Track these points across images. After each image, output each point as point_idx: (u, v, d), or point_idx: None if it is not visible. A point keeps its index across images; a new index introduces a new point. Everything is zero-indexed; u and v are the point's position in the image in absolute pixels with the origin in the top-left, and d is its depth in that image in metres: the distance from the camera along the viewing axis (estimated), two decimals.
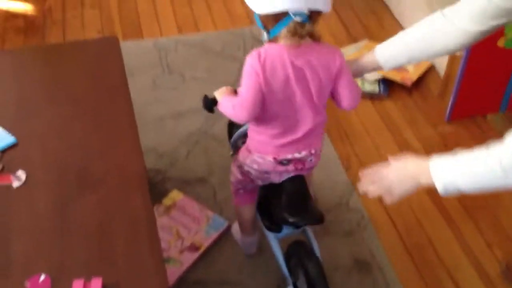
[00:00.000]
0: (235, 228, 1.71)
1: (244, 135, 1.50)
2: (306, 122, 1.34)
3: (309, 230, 1.55)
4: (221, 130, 1.93)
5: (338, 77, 1.32)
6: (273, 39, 1.28)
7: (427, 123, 2.15)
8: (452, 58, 2.11)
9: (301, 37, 1.24)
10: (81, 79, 1.46)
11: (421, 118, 2.17)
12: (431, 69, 2.36)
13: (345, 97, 1.36)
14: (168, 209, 1.73)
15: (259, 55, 1.26)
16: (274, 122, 1.34)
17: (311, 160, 1.41)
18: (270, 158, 1.38)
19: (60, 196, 1.19)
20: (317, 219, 1.38)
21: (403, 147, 2.06)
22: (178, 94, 2.18)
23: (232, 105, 1.31)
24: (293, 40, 1.24)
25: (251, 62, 1.27)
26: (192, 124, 2.03)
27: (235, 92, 1.36)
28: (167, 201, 1.75)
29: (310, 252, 1.46)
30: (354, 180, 1.91)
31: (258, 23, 1.29)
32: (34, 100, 1.39)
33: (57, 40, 2.41)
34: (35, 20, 2.53)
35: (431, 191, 1.04)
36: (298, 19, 1.21)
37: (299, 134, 1.36)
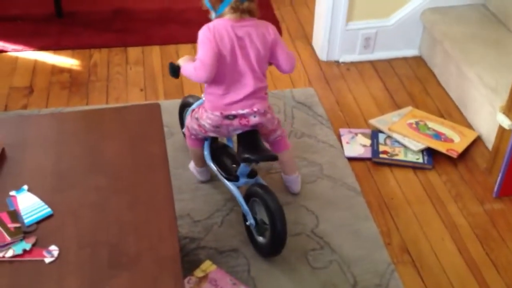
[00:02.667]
0: (191, 164, 2.02)
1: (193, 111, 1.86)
2: (247, 85, 1.66)
3: (261, 179, 1.84)
4: None
5: (274, 46, 1.68)
6: (219, 16, 1.65)
7: (474, 198, 2.05)
8: (502, 130, 2.03)
9: (242, 12, 1.61)
10: (120, 147, 1.44)
11: (467, 193, 2.07)
12: (478, 141, 2.27)
13: (283, 62, 1.72)
14: (199, 281, 1.67)
15: (209, 27, 1.62)
16: (221, 83, 1.66)
17: (254, 117, 1.70)
18: (218, 114, 1.69)
19: (91, 275, 1.15)
20: (271, 155, 1.71)
21: (448, 223, 1.96)
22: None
23: (193, 67, 1.63)
24: (235, 15, 1.61)
25: (203, 32, 1.62)
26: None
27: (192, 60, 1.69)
28: (199, 272, 1.69)
29: (267, 190, 1.72)
30: (394, 257, 1.83)
31: (207, 3, 1.66)
32: (72, 169, 1.38)
33: (100, 96, 2.44)
34: (80, 75, 2.57)
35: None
36: None
37: (240, 95, 1.67)
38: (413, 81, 2.61)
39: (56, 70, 2.59)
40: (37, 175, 1.36)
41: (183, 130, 2.01)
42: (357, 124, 2.36)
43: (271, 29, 1.69)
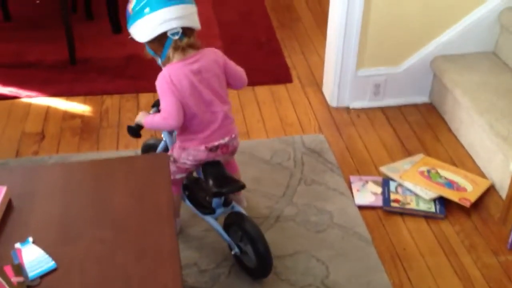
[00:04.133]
0: None
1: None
2: (218, 112, 1.72)
3: (237, 206, 1.87)
4: None
5: (226, 67, 1.75)
6: (165, 61, 1.69)
7: (488, 249, 2.00)
8: None
9: (184, 49, 1.65)
10: (127, 197, 1.43)
11: (481, 244, 2.02)
12: (491, 190, 2.24)
13: (237, 80, 1.79)
14: None
15: (164, 75, 1.66)
16: (195, 121, 1.71)
17: (233, 144, 1.79)
18: (202, 148, 1.74)
19: None
20: (241, 185, 1.74)
21: (462, 275, 1.91)
22: None
23: (162, 118, 1.68)
24: (180, 54, 1.66)
25: (161, 82, 1.66)
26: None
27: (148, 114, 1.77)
28: None
29: (244, 217, 1.79)
30: None
31: (150, 51, 1.73)
32: (78, 221, 1.36)
33: (110, 143, 2.45)
34: (91, 121, 2.59)
35: None
36: (175, 37, 1.63)
37: (216, 123, 1.73)
38: (424, 128, 2.59)
39: (68, 116, 2.62)
40: (43, 226, 1.35)
41: None
42: (368, 172, 2.34)
43: (218, 52, 1.76)
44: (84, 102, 2.71)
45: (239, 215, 1.82)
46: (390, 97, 2.73)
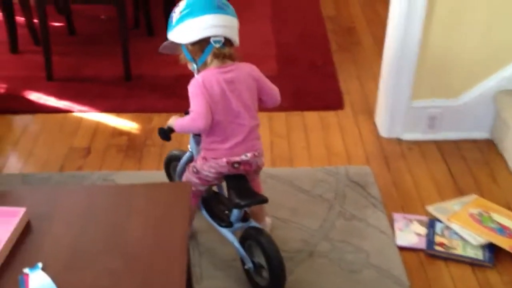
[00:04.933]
0: None
1: (186, 163, 1.92)
2: (244, 125, 1.73)
3: (254, 222, 1.85)
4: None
5: (260, 83, 1.77)
6: (202, 66, 1.73)
7: None
8: None
9: (224, 57, 1.70)
10: (143, 226, 1.40)
11: None
12: None
13: (269, 98, 1.81)
14: None
15: (198, 80, 1.69)
16: (219, 129, 1.72)
17: (256, 162, 1.78)
18: (224, 161, 1.73)
19: None
20: (262, 199, 1.75)
21: None
22: None
23: (191, 119, 1.70)
24: (218, 61, 1.70)
25: (193, 86, 1.70)
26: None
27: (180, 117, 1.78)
28: None
29: (262, 231, 1.78)
30: None
31: (187, 55, 1.74)
32: (91, 247, 1.34)
33: (153, 162, 2.45)
34: (137, 139, 2.60)
35: None
36: (217, 45, 1.68)
37: (240, 137, 1.73)
38: (480, 166, 2.42)
39: (116, 133, 2.65)
40: (55, 252, 1.33)
41: (177, 173, 2.03)
42: (414, 210, 2.21)
43: (253, 67, 1.79)
44: (133, 119, 2.74)
45: (257, 229, 1.80)
46: (446, 131, 2.57)
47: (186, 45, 1.73)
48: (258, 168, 1.82)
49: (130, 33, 3.12)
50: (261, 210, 1.99)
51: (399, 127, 2.59)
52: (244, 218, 1.85)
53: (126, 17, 2.97)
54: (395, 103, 2.54)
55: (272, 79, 2.95)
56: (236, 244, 1.85)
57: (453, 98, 2.52)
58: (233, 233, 1.88)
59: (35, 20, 3.19)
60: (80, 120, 2.73)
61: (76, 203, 1.48)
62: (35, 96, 2.88)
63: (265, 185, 2.30)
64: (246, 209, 1.84)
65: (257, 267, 1.81)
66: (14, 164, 2.45)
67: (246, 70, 1.75)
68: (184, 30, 1.70)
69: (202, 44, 1.69)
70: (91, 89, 2.95)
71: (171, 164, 2.16)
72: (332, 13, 3.83)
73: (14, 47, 3.28)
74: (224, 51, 1.70)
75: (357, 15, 3.80)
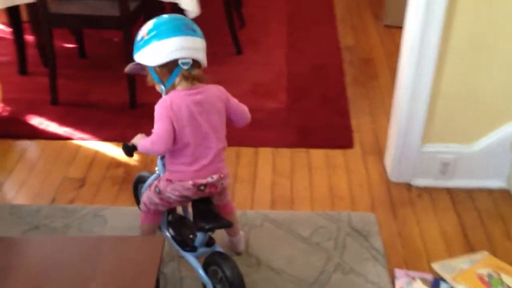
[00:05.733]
0: None
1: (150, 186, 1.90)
2: (211, 148, 1.73)
3: (219, 247, 1.87)
4: None
5: (228, 105, 1.77)
6: (169, 88, 1.72)
7: None
8: None
9: (193, 79, 1.71)
10: (106, 284, 1.30)
11: None
12: None
13: (239, 118, 1.82)
14: None
15: (166, 100, 1.68)
16: (187, 151, 1.71)
17: (222, 184, 1.78)
18: (189, 184, 1.73)
19: None
20: (226, 223, 1.76)
21: None
22: (248, 281, 1.93)
23: (150, 141, 1.70)
24: (187, 83, 1.70)
25: (161, 107, 1.68)
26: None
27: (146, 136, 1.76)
28: None
29: (225, 257, 1.76)
30: None
31: (155, 77, 1.73)
32: None
33: None
34: (133, 171, 2.50)
35: None
36: (185, 67, 1.68)
37: (207, 159, 1.73)
38: (494, 219, 2.25)
39: (113, 164, 2.56)
40: None
41: (139, 206, 2.02)
42: (418, 265, 2.05)
43: (221, 89, 1.79)
44: None
45: (220, 254, 1.79)
46: (459, 178, 2.41)
47: (153, 67, 1.72)
48: (223, 189, 1.83)
49: None
50: (237, 224, 2.01)
51: (409, 171, 2.44)
52: (209, 243, 1.87)
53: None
54: (405, 146, 2.40)
55: (281, 112, 2.89)
56: (199, 269, 1.83)
57: (468, 143, 2.37)
58: (197, 258, 1.87)
59: None
60: (78, 149, 2.66)
61: (39, 255, 1.38)
62: (37, 121, 2.83)
63: (262, 229, 2.19)
64: (210, 233, 1.85)
65: None
66: (5, 193, 2.38)
67: (214, 92, 1.76)
68: (152, 52, 1.69)
69: (170, 66, 1.69)
70: (94, 116, 2.88)
71: (138, 186, 2.13)
72: (351, 43, 3.71)
73: (22, 68, 3.24)
74: (193, 73, 1.70)
75: (376, 46, 3.67)
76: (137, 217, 2.17)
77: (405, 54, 2.29)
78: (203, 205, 1.77)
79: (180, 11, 2.87)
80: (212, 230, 1.76)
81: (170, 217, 1.97)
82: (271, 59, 3.46)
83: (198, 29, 1.74)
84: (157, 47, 1.67)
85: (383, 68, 3.39)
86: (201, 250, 1.86)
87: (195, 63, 1.71)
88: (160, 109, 1.68)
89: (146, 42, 1.69)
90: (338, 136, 2.77)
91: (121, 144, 2.65)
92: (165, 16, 1.74)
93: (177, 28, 1.67)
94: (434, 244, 2.15)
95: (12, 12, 3.09)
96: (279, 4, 4.24)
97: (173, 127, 1.66)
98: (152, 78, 1.75)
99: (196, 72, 1.70)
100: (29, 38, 3.31)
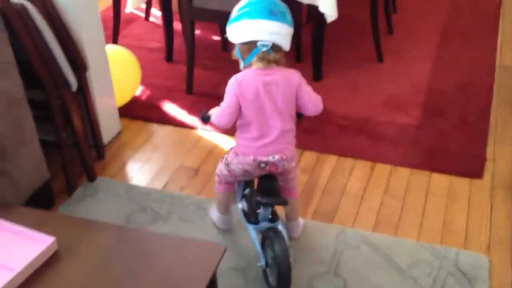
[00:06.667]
0: (212, 211, 2.19)
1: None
2: (276, 127, 1.80)
3: (281, 225, 1.92)
4: None
5: (299, 91, 1.82)
6: (247, 66, 1.83)
7: None
8: None
9: (268, 62, 1.78)
10: (157, 281, 1.31)
11: None
12: None
13: (308, 105, 1.85)
14: None
15: (236, 79, 1.80)
16: (251, 128, 1.82)
17: (283, 165, 1.84)
18: (251, 159, 1.82)
19: None
20: (281, 200, 1.83)
21: None
22: None
23: (216, 114, 1.85)
24: (262, 64, 1.79)
25: (230, 83, 1.81)
26: None
27: None
28: None
29: (278, 234, 1.83)
30: None
31: (238, 54, 1.85)
32: None
33: None
34: None
35: None
36: (264, 48, 1.76)
37: (270, 137, 1.80)
38: None
39: None
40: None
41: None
42: None
43: (295, 74, 1.84)
44: None
45: (275, 231, 1.85)
46: None
47: (237, 43, 1.83)
48: (285, 171, 1.87)
49: None
50: (292, 211, 2.06)
51: None
52: (272, 219, 1.92)
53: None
54: None
55: (410, 129, 2.72)
56: (255, 240, 1.94)
57: None
58: (257, 231, 1.96)
59: (197, 31, 3.30)
60: (199, 139, 2.75)
61: (102, 241, 1.44)
62: (169, 107, 2.97)
63: (357, 251, 2.08)
64: (275, 209, 1.94)
65: (269, 266, 1.87)
66: (127, 171, 2.55)
67: (286, 76, 1.81)
68: (236, 29, 1.79)
69: (251, 45, 1.78)
70: None
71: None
72: (509, 63, 3.35)
73: (169, 56, 3.44)
74: (269, 56, 1.77)
75: None
76: (237, 216, 2.19)
77: None
78: (266, 181, 1.86)
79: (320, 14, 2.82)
80: (266, 205, 1.84)
81: (246, 191, 2.04)
82: (413, 71, 3.25)
83: (288, 15, 1.80)
84: (242, 25, 1.77)
85: None
86: (263, 224, 1.93)
87: (276, 47, 1.78)
88: (230, 85, 1.81)
89: (236, 18, 1.80)
90: (468, 162, 2.52)
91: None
92: None
93: (265, 10, 1.74)
94: None
95: (164, 3, 3.28)
96: (437, 12, 3.97)
97: (239, 103, 1.78)
98: (235, 53, 1.86)
99: (273, 55, 1.78)
100: (179, 27, 3.50)
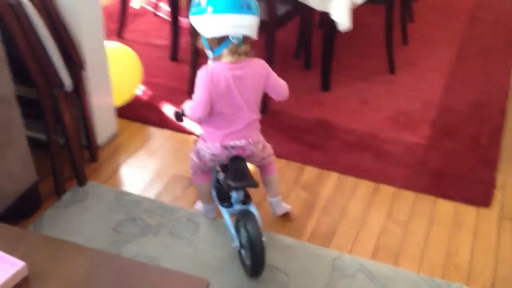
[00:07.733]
0: (197, 203, 2.23)
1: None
2: (243, 118, 1.87)
3: (254, 206, 2.00)
4: None
5: (267, 81, 1.89)
6: (216, 57, 1.85)
7: None
8: None
9: (239, 55, 1.81)
10: None
11: None
12: None
13: (276, 92, 1.94)
14: None
15: (207, 70, 1.82)
16: (220, 117, 1.86)
17: (250, 148, 1.90)
18: (217, 144, 1.89)
19: None
20: (251, 183, 1.85)
21: None
22: None
23: (190, 107, 1.87)
24: (233, 57, 1.81)
25: (201, 75, 1.82)
26: None
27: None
28: None
29: (251, 215, 1.88)
30: None
31: (206, 44, 1.86)
32: None
33: None
34: None
35: None
36: (235, 41, 1.78)
37: (238, 126, 1.87)
38: None
39: None
40: None
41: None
42: None
43: (263, 64, 1.88)
44: None
45: (247, 213, 1.89)
46: None
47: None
48: (253, 154, 1.92)
49: (289, 63, 3.17)
50: (271, 187, 2.10)
51: None
52: (245, 201, 1.99)
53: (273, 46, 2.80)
54: None
55: (418, 149, 2.63)
56: (229, 223, 2.00)
57: None
58: (231, 214, 2.02)
59: None
60: None
61: (77, 267, 1.33)
62: (170, 110, 2.87)
63: (353, 280, 1.98)
64: (246, 191, 2.00)
65: (244, 248, 1.91)
66: (120, 176, 2.45)
67: (256, 68, 1.86)
68: (207, 22, 1.78)
69: (221, 38, 1.79)
70: None
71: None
72: None
73: (173, 55, 3.33)
74: (240, 49, 1.80)
75: None
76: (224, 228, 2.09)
77: None
78: (236, 164, 1.89)
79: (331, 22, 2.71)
80: (236, 188, 1.90)
81: (218, 175, 2.13)
82: (425, 86, 3.12)
83: (254, 5, 1.80)
84: (211, 19, 1.76)
85: None
86: (237, 207, 1.99)
87: (245, 38, 1.80)
88: (201, 78, 1.82)
89: (202, 11, 1.78)
90: (475, 189, 2.40)
91: None
92: None
93: (233, 4, 1.74)
94: None
95: (172, 0, 3.17)
96: (456, 24, 3.83)
97: (210, 96, 1.80)
98: (202, 42, 1.86)
99: (243, 48, 1.80)
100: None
